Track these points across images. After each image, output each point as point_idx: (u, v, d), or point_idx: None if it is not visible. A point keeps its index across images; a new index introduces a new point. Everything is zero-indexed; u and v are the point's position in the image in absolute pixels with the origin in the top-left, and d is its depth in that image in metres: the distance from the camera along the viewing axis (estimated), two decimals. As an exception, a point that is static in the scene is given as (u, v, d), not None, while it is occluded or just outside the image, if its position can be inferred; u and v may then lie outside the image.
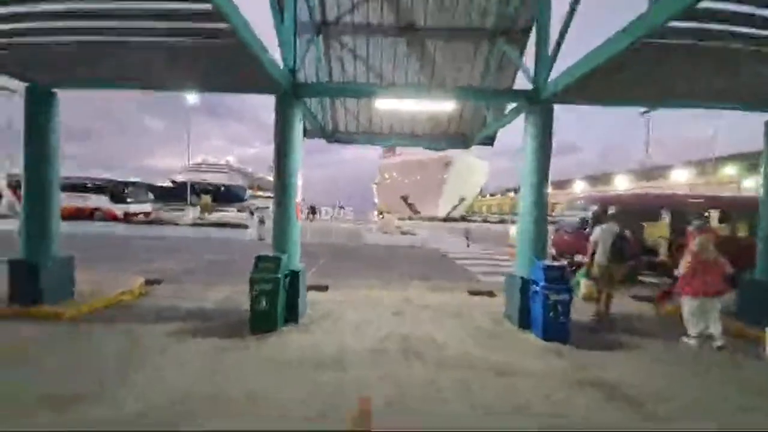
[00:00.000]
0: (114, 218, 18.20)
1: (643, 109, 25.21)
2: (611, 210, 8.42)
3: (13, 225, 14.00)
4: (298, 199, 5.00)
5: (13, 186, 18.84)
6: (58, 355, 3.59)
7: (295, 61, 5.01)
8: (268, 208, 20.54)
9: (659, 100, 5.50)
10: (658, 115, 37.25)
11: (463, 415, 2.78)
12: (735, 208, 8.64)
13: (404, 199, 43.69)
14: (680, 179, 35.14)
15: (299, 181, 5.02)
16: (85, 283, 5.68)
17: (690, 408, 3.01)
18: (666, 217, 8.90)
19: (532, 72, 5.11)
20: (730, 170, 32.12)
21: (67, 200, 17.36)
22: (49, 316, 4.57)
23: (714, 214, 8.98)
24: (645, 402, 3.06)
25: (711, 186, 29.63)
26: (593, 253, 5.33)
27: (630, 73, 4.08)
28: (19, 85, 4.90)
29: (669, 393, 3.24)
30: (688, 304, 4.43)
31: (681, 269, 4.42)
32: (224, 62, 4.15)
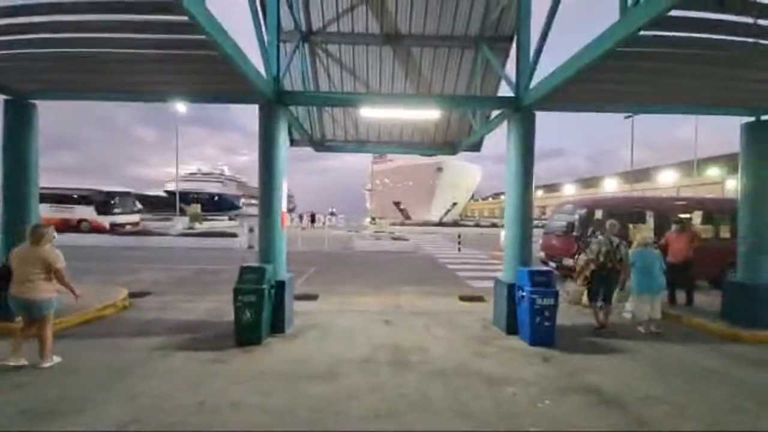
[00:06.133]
0: (100, 230, 17.84)
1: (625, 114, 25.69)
2: (598, 214, 8.56)
3: None
4: (284, 208, 4.96)
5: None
6: (36, 374, 3.47)
7: (278, 69, 5.00)
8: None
9: (638, 105, 5.65)
10: (649, 117, 37.99)
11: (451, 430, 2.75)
12: (718, 210, 8.82)
13: (396, 204, 43.76)
14: (668, 181, 35.79)
15: (285, 190, 4.99)
16: (68, 296, 5.52)
17: (679, 411, 3.02)
18: (650, 220, 9.02)
19: (514, 79, 5.19)
20: (714, 172, 32.89)
21: (52, 212, 17.00)
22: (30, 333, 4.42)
23: (697, 216, 9.13)
24: (631, 406, 3.07)
25: (696, 188, 30.22)
26: (588, 261, 5.32)
27: (607, 80, 4.17)
28: None
29: (657, 396, 3.25)
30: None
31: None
32: (205, 72, 4.13)
